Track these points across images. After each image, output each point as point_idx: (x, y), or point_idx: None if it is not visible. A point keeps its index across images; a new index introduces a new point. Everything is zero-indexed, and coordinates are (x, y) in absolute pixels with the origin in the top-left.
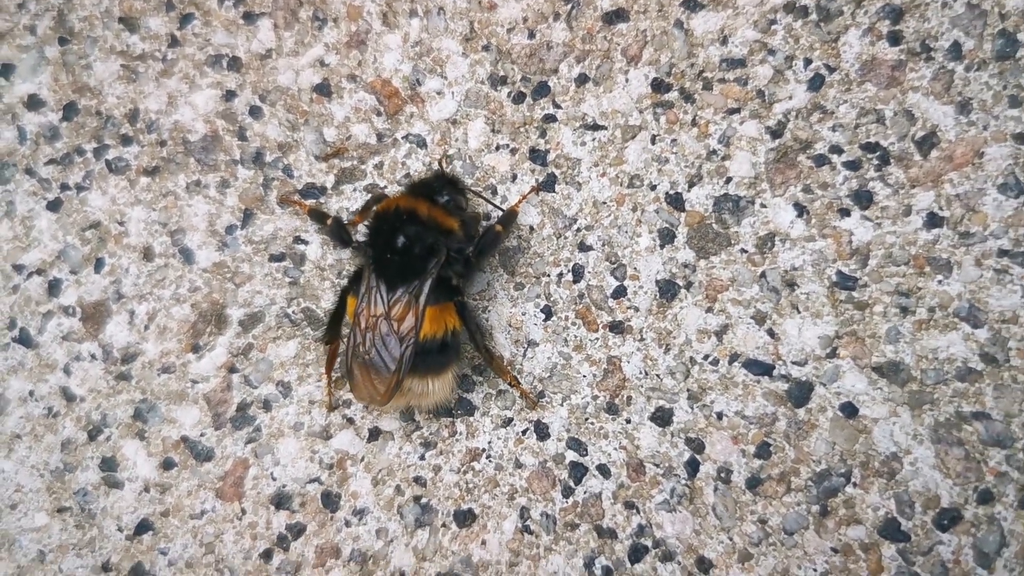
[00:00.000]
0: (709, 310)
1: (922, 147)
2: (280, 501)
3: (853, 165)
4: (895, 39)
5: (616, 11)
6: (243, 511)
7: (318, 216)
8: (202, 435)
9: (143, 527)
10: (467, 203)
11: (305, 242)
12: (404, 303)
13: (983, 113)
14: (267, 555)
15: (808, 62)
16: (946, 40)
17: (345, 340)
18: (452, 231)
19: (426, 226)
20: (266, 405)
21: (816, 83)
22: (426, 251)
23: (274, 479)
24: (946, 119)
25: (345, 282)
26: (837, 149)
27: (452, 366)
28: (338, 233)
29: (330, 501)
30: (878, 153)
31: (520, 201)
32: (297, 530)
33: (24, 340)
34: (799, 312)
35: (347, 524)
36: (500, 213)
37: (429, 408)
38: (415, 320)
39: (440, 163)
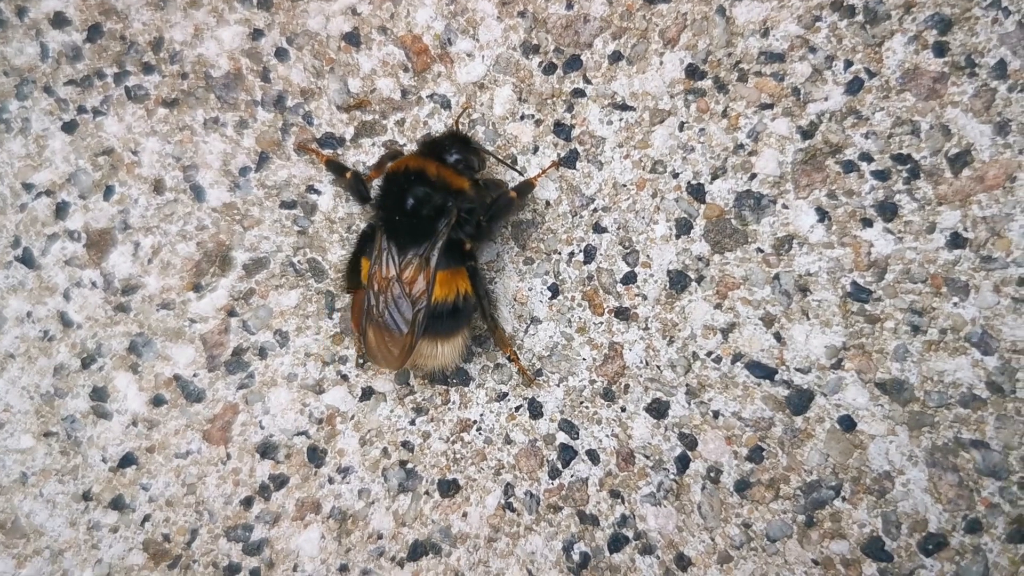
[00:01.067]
0: (718, 307)
1: (954, 164)
2: (266, 450)
3: (882, 175)
4: (941, 50)
5: None
6: (228, 456)
7: (336, 168)
8: (195, 375)
9: (127, 460)
10: (480, 163)
11: (318, 192)
12: (415, 266)
13: (1021, 136)
14: (248, 502)
15: (849, 64)
16: (992, 57)
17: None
18: (463, 191)
19: (435, 186)
20: (262, 352)
21: (854, 87)
22: (435, 212)
23: (262, 428)
24: (982, 138)
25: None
26: (867, 157)
27: (463, 331)
28: (356, 187)
29: (316, 456)
30: (909, 166)
31: (539, 175)
32: (280, 481)
33: (27, 260)
34: (809, 319)
35: (330, 481)
36: (518, 178)
37: (434, 370)
38: (426, 283)
39: (456, 121)
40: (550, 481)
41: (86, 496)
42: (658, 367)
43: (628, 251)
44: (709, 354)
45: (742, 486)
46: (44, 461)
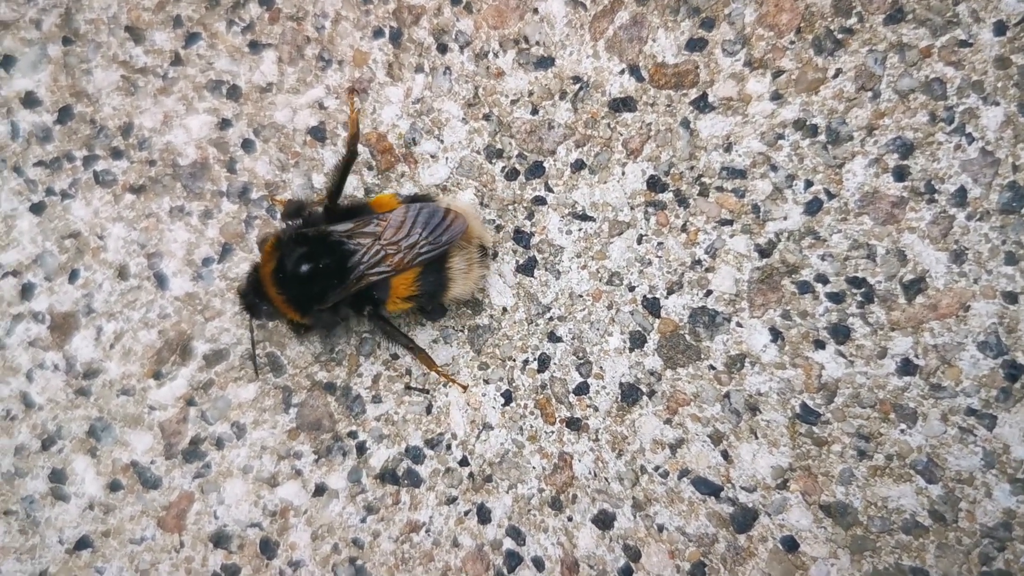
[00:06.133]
0: (668, 422)
1: (908, 291)
2: (219, 540)
3: (836, 298)
4: (901, 174)
5: (624, 99)
6: (182, 544)
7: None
8: (152, 463)
9: (83, 543)
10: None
11: None
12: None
13: (976, 266)
14: None
15: (809, 184)
16: (953, 184)
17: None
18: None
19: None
20: (219, 443)
21: (813, 207)
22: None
23: (216, 517)
24: (938, 265)
25: None
26: (823, 279)
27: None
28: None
29: (268, 548)
30: (863, 290)
31: (352, 119)
32: (232, 571)
33: None
34: (757, 438)
35: (281, 573)
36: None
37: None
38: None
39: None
40: None
41: None
42: (606, 479)
43: (582, 362)
44: (656, 468)
45: None
46: (3, 539)
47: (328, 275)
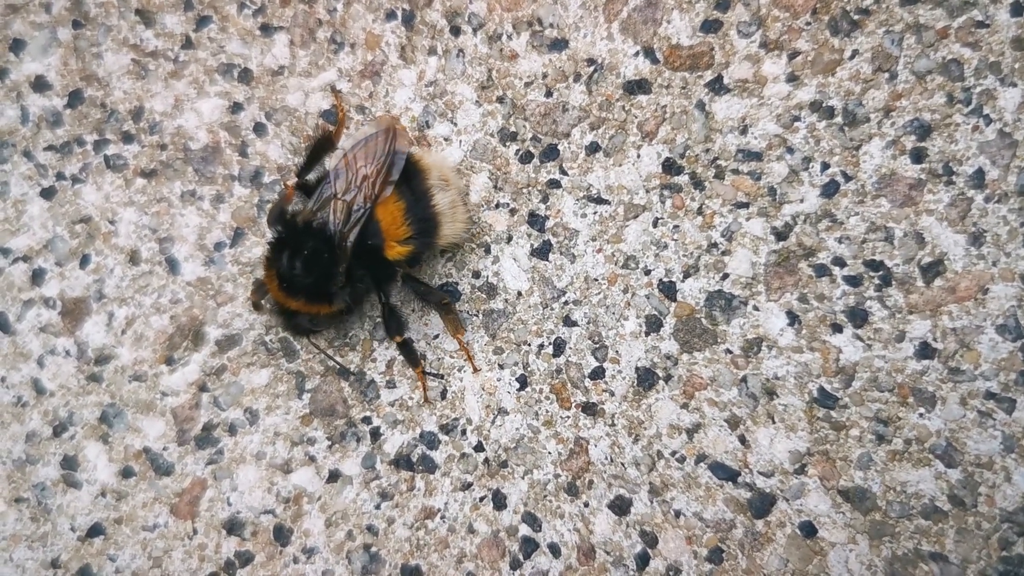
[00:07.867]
0: (684, 406)
1: (927, 273)
2: (232, 527)
3: (854, 281)
4: (918, 156)
5: (639, 81)
6: (195, 531)
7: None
8: (165, 449)
9: (95, 531)
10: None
11: None
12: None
13: (995, 248)
14: None
15: (825, 166)
16: (970, 166)
17: None
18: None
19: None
20: (232, 429)
21: (830, 190)
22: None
23: (229, 504)
24: (956, 248)
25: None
26: (840, 262)
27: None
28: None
29: (282, 535)
30: (881, 273)
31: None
32: (245, 558)
33: (2, 325)
34: (774, 423)
35: (295, 560)
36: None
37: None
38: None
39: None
40: (511, 572)
41: (55, 564)
42: (622, 464)
43: (597, 346)
44: (673, 453)
45: None
46: (15, 526)
47: (318, 255)
